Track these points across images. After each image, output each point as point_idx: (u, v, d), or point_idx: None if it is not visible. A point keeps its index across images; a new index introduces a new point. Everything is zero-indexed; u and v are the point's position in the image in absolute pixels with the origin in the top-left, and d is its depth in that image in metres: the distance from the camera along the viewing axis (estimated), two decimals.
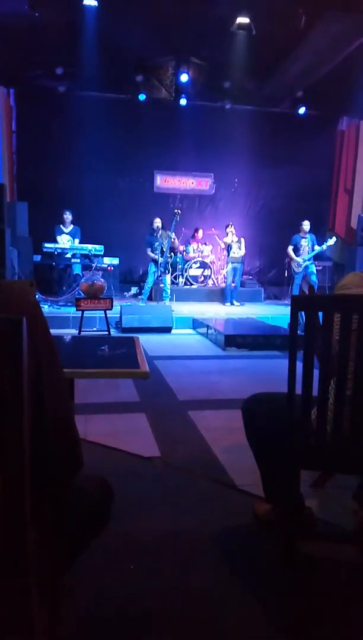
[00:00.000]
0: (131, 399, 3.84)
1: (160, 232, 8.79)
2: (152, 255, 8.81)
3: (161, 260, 8.71)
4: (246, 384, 4.34)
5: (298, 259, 9.20)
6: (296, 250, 9.29)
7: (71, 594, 1.61)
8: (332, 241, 9.16)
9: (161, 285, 8.99)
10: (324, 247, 9.15)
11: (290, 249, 9.30)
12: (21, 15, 7.43)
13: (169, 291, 9.07)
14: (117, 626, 1.49)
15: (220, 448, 2.85)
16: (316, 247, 9.19)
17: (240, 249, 9.45)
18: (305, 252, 9.22)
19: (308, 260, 9.22)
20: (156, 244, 8.76)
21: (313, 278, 9.25)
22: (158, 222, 8.82)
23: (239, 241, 9.47)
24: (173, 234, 8.97)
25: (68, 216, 9.03)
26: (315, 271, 9.39)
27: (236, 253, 9.45)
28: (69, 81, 10.48)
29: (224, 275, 9.91)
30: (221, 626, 1.51)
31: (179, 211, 9.26)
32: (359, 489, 2.20)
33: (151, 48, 9.61)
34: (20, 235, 9.06)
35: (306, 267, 9.25)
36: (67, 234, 9.02)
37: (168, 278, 9.00)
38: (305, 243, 9.22)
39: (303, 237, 9.24)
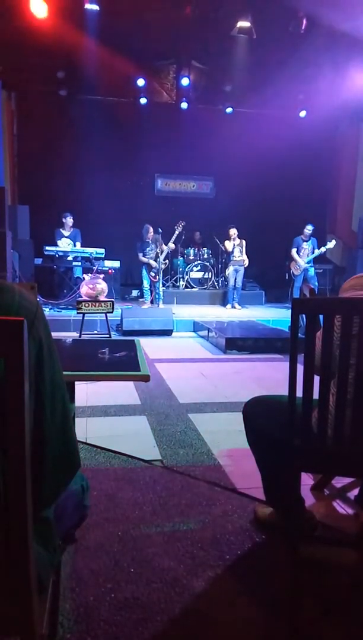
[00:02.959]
0: (132, 402, 3.84)
1: (152, 237, 8.88)
2: (144, 260, 8.92)
3: (155, 265, 8.82)
4: (247, 387, 4.34)
5: (300, 261, 9.27)
6: (297, 253, 9.36)
7: (72, 595, 1.61)
8: (331, 244, 9.19)
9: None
10: (323, 249, 9.19)
11: (294, 251, 9.36)
12: None
13: (161, 294, 9.18)
14: (117, 627, 1.48)
15: (221, 451, 2.85)
16: (317, 250, 9.23)
17: (241, 252, 9.48)
18: (305, 255, 9.28)
19: (308, 263, 9.28)
20: (148, 249, 8.87)
21: (313, 280, 9.29)
22: (150, 230, 8.92)
23: (240, 244, 9.50)
24: (172, 244, 9.06)
25: (68, 220, 9.04)
26: (314, 274, 9.44)
27: (237, 256, 9.48)
28: (70, 85, 10.51)
29: (226, 277, 9.95)
30: (222, 628, 1.51)
31: (184, 222, 9.34)
32: (361, 492, 2.20)
33: (152, 52, 9.64)
34: (21, 239, 9.09)
35: (306, 269, 9.31)
36: (67, 237, 9.03)
37: (159, 283, 9.11)
38: (306, 246, 9.30)
39: (305, 240, 9.30)
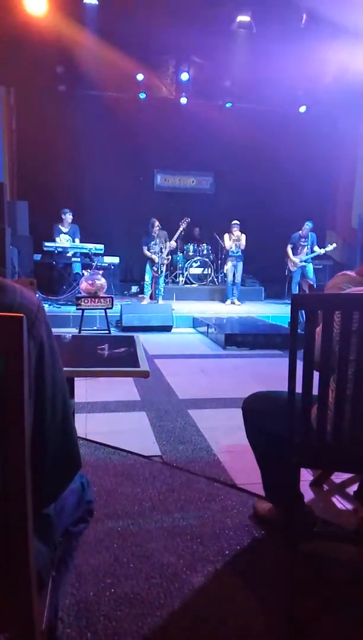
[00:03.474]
0: (132, 398, 3.85)
1: (157, 232, 8.88)
2: (148, 254, 8.94)
3: (158, 260, 8.83)
4: (247, 383, 4.34)
5: (295, 259, 9.27)
6: (295, 249, 9.34)
7: (72, 590, 1.62)
8: (331, 247, 9.21)
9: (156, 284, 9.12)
10: (322, 251, 9.21)
11: (289, 247, 9.35)
12: None
13: (162, 290, 9.21)
14: (117, 622, 1.49)
15: (220, 447, 2.86)
16: (316, 249, 9.23)
17: (240, 246, 9.47)
18: (303, 253, 9.29)
19: (306, 261, 9.29)
20: (152, 243, 8.87)
21: (311, 276, 9.30)
22: (156, 224, 8.91)
23: (238, 239, 9.48)
24: (174, 242, 9.08)
25: (67, 216, 9.02)
26: (313, 271, 9.44)
27: (235, 251, 9.46)
28: (69, 80, 10.45)
29: (225, 273, 9.94)
30: (222, 624, 1.51)
31: (189, 219, 9.36)
32: (360, 488, 2.20)
33: (152, 46, 9.59)
34: (20, 234, 9.06)
35: (303, 266, 9.32)
36: (66, 233, 9.01)
37: (162, 278, 9.17)
38: (304, 243, 9.29)
39: (303, 237, 9.29)
